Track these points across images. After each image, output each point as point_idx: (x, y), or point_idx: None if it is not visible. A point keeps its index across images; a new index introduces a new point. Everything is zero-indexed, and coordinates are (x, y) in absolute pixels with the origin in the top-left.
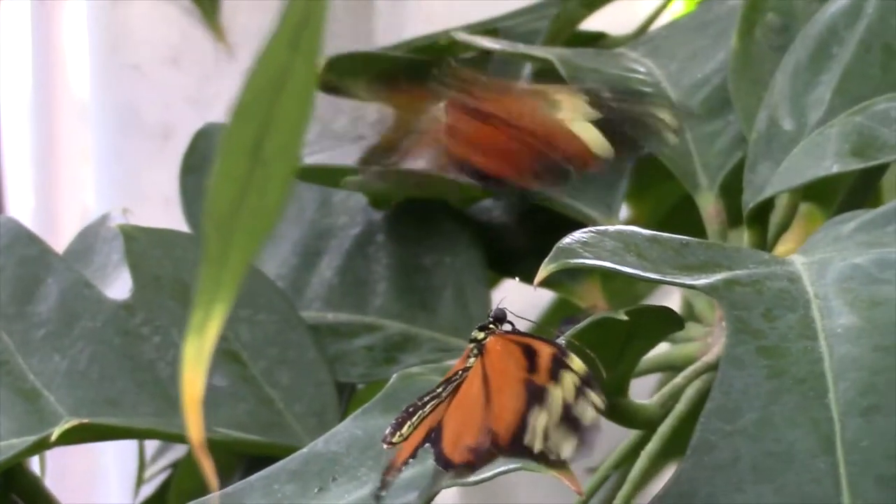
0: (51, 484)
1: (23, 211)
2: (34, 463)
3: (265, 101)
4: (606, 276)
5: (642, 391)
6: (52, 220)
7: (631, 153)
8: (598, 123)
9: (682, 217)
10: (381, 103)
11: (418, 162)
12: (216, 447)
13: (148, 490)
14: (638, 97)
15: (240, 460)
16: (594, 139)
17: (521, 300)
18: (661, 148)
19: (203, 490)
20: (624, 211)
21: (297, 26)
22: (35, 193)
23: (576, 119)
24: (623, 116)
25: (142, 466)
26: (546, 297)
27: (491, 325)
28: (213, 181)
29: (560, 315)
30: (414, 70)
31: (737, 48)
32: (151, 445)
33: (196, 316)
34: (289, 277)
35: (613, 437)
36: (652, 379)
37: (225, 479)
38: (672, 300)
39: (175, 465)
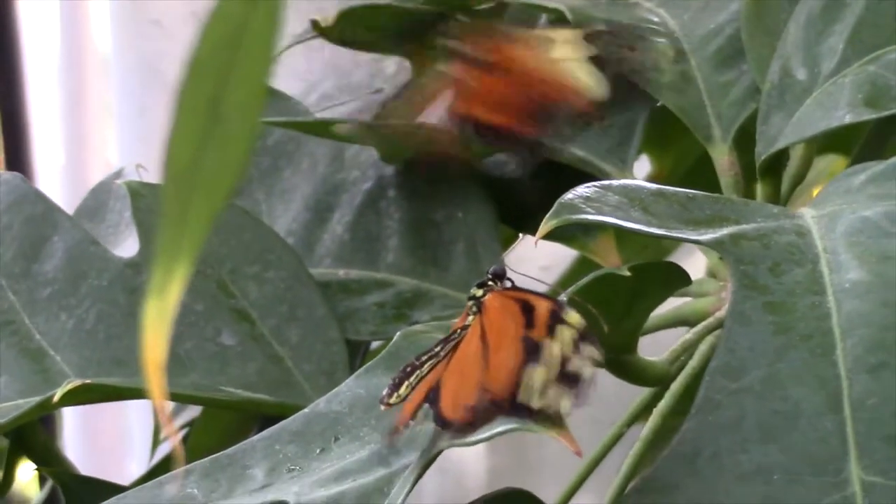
0: (79, 443)
1: (52, 167)
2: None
3: (222, 55)
4: (625, 232)
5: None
6: (81, 176)
7: (629, 93)
8: (596, 61)
9: (705, 172)
10: (399, 56)
11: (424, 117)
12: (228, 407)
13: (166, 448)
14: (633, 29)
15: (255, 420)
16: (590, 79)
17: (546, 256)
18: (653, 81)
19: (218, 449)
20: (646, 166)
21: None
22: (64, 149)
23: (572, 58)
24: (619, 50)
25: (157, 427)
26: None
27: (490, 282)
28: (169, 138)
29: (584, 271)
30: (429, 22)
31: None
32: (169, 404)
33: (156, 277)
34: (300, 233)
35: (628, 395)
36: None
37: (240, 439)
38: (698, 255)
39: (191, 424)
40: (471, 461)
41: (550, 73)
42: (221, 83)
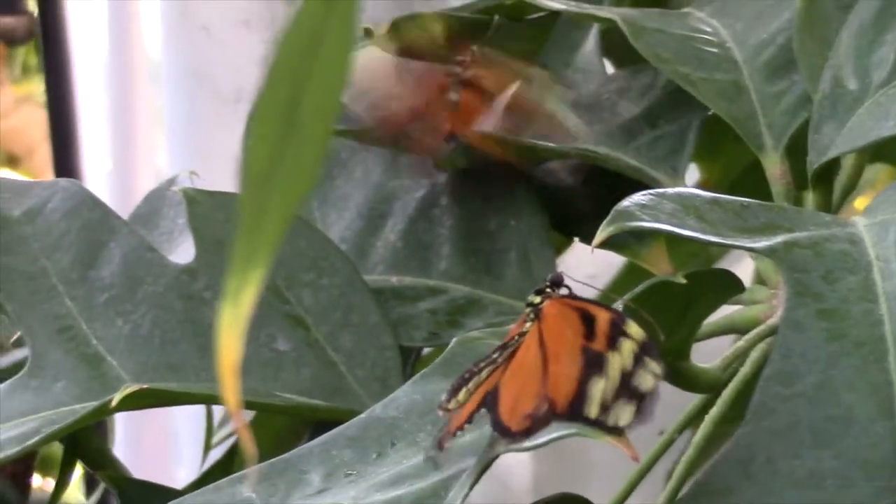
0: (126, 448)
1: (100, 174)
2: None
3: (300, 62)
4: (675, 239)
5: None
6: (129, 183)
7: (681, 102)
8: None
9: (753, 180)
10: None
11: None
12: (282, 412)
13: (217, 454)
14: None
15: (307, 425)
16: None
17: (594, 263)
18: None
19: (268, 455)
20: (695, 174)
21: None
22: (112, 155)
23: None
24: None
25: (209, 431)
26: (620, 259)
27: (547, 290)
28: (247, 143)
29: (633, 279)
30: (481, 30)
31: (802, 7)
32: (219, 410)
33: (232, 282)
34: (353, 241)
35: (680, 401)
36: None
37: (292, 443)
38: (745, 262)
39: None
40: (517, 467)
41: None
42: (299, 89)
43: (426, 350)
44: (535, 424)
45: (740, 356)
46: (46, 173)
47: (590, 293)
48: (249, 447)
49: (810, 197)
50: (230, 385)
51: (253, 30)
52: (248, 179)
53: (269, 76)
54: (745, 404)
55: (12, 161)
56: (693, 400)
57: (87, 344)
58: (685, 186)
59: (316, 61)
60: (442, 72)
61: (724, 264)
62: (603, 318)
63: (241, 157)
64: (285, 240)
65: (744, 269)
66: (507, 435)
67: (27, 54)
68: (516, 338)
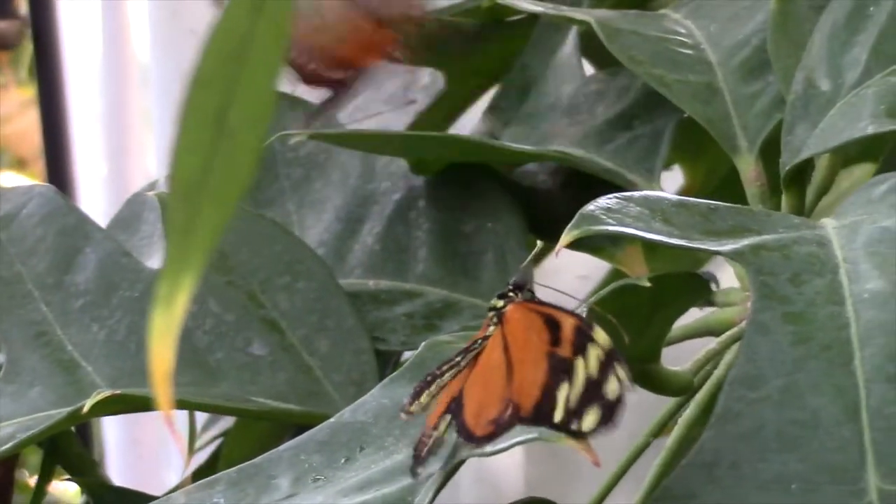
0: (119, 452)
1: (94, 178)
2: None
3: (227, 69)
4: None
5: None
6: (123, 186)
7: (656, 103)
8: None
9: (735, 182)
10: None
11: None
12: (258, 417)
13: (202, 457)
14: None
15: (288, 430)
16: None
17: (585, 266)
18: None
19: (250, 459)
20: (680, 179)
21: None
22: (106, 160)
23: None
24: None
25: (192, 436)
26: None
27: (510, 293)
28: (174, 151)
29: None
30: (466, 34)
31: (776, 8)
32: (203, 415)
33: (163, 287)
34: (331, 244)
35: (654, 405)
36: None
37: (274, 448)
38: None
39: (225, 435)
40: (508, 470)
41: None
42: (227, 96)
43: (406, 354)
44: (500, 429)
45: (712, 358)
46: None
47: (564, 299)
48: (183, 451)
49: (783, 198)
50: (163, 391)
51: None
52: (179, 186)
53: (195, 81)
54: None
55: (19, 164)
56: (669, 403)
57: (63, 350)
58: (660, 189)
59: (245, 66)
60: None
61: (712, 266)
62: (568, 323)
63: (170, 163)
64: (261, 244)
65: (729, 272)
66: (472, 440)
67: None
68: (479, 341)
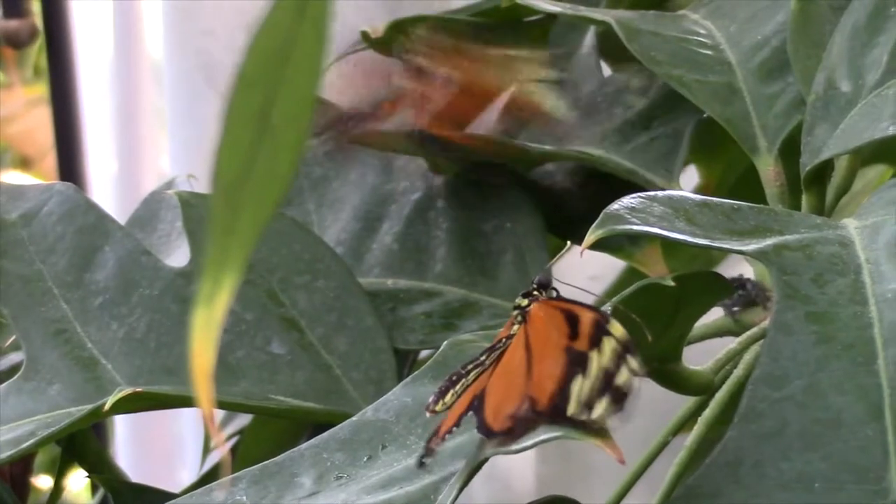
0: (131, 451)
1: (105, 176)
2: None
3: (271, 68)
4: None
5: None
6: (134, 185)
7: (675, 103)
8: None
9: (751, 183)
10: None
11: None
12: (277, 415)
13: (217, 456)
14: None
15: (305, 428)
16: (552, 99)
17: (596, 265)
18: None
19: (267, 457)
20: (696, 178)
21: None
22: (117, 158)
23: (535, 79)
24: None
25: (208, 434)
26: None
27: (535, 292)
28: (217, 149)
29: (634, 281)
30: (478, 34)
31: (796, 9)
32: (219, 413)
33: (205, 286)
34: (350, 243)
35: (674, 404)
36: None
37: (291, 447)
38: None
39: (241, 433)
40: (519, 469)
41: (512, 93)
42: (270, 96)
43: (424, 353)
44: (518, 424)
45: (733, 358)
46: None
47: (585, 297)
48: (226, 456)
49: (804, 198)
50: (203, 388)
51: None
52: (221, 185)
53: (239, 81)
54: (737, 407)
55: (25, 163)
56: (688, 402)
57: (83, 347)
58: (679, 188)
59: (288, 66)
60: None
61: (726, 266)
62: (587, 318)
63: (212, 163)
64: (280, 243)
65: (746, 272)
66: (491, 436)
67: (38, 56)
68: (504, 340)
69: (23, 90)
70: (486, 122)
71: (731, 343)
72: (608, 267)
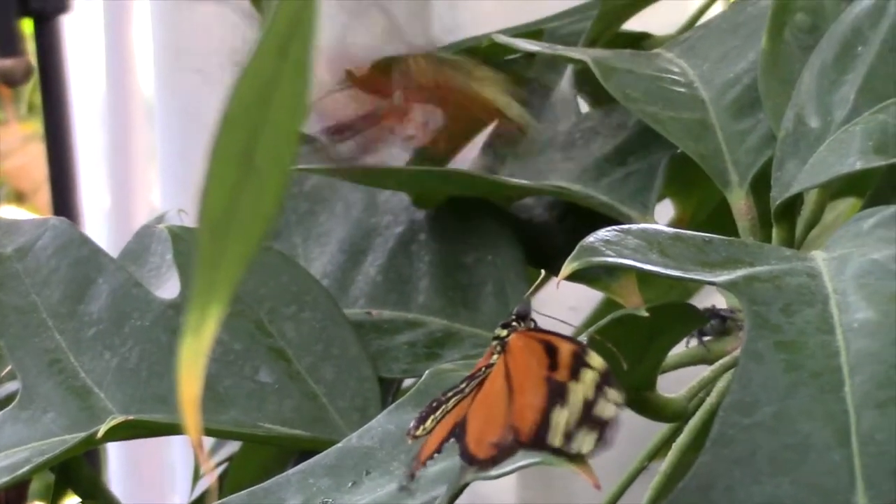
0: (123, 477)
1: (98, 211)
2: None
3: (254, 110)
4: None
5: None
6: (126, 219)
7: (650, 139)
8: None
9: (725, 216)
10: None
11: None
12: (265, 442)
13: (207, 482)
14: None
15: (292, 455)
16: (510, 104)
17: (575, 297)
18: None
19: (256, 483)
20: (670, 211)
21: (285, 35)
22: (110, 193)
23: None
24: None
25: (198, 461)
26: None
27: (514, 323)
28: (204, 187)
29: (609, 311)
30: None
31: (766, 48)
32: (209, 440)
33: (192, 318)
34: (335, 275)
35: (650, 431)
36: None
37: (278, 474)
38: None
39: (230, 460)
40: (501, 493)
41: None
42: (254, 136)
43: (407, 382)
44: (501, 453)
45: (705, 386)
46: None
47: (564, 328)
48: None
49: (774, 232)
50: (191, 416)
51: None
52: (206, 222)
53: (224, 123)
54: (710, 433)
55: (19, 198)
56: (663, 429)
57: (76, 377)
58: (654, 222)
59: (270, 107)
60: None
61: (701, 296)
62: (566, 349)
63: (199, 200)
64: (268, 275)
65: (720, 302)
66: (474, 463)
67: (32, 93)
68: (483, 369)
69: (18, 126)
70: (467, 158)
71: (704, 371)
72: (587, 298)
